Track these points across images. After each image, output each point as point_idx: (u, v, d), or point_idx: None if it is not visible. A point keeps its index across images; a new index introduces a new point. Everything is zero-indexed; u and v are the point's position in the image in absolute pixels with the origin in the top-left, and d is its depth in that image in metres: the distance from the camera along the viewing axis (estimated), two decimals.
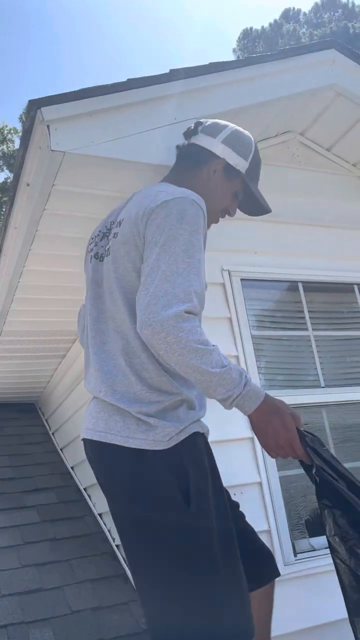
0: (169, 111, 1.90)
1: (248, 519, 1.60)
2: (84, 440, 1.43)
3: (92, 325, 1.51)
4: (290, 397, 2.17)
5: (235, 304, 2.23)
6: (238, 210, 1.74)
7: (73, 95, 1.75)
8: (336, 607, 1.75)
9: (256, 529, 1.63)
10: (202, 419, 1.42)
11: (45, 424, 4.37)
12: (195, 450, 1.34)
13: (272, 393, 2.07)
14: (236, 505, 1.59)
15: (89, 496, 3.26)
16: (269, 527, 1.95)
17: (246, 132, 1.68)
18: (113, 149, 1.78)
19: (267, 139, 2.60)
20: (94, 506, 3.16)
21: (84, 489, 3.35)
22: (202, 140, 1.63)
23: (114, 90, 1.80)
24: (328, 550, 1.58)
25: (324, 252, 2.51)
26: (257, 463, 2.01)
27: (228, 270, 2.27)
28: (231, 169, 1.61)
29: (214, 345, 1.27)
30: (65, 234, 2.18)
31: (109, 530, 2.90)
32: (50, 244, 2.24)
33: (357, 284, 2.54)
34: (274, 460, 2.04)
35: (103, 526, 2.97)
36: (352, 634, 1.46)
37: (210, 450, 1.42)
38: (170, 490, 1.28)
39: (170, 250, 1.30)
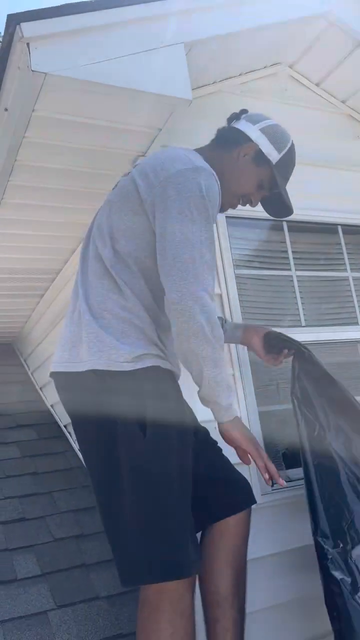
0: (164, 33, 1.80)
1: (229, 453, 1.65)
2: None
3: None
4: None
5: (220, 243, 2.20)
6: None
7: (56, 10, 1.64)
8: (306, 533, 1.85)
9: (235, 462, 1.67)
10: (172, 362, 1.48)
11: (24, 363, 4.36)
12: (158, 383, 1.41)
13: None
14: (212, 441, 1.66)
15: (69, 433, 3.31)
16: None
17: (286, 131, 1.72)
18: (98, 73, 1.69)
19: (255, 70, 2.50)
20: (74, 442, 3.21)
21: (64, 426, 3.39)
22: (240, 125, 1.69)
23: (102, 7, 1.69)
24: (303, 482, 1.71)
25: (309, 192, 2.47)
26: (237, 399, 2.05)
27: None
28: (262, 156, 1.65)
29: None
30: (47, 165, 2.10)
31: None
32: (31, 176, 2.16)
33: (340, 225, 2.53)
34: (253, 396, 2.08)
35: (83, 461, 3.03)
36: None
37: (176, 390, 1.47)
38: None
39: (186, 221, 1.37)
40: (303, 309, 2.34)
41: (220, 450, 1.66)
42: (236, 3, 2.04)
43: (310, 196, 2.46)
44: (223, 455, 1.66)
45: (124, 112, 1.85)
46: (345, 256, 2.53)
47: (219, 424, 1.47)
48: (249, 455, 1.49)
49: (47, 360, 3.70)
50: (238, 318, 2.14)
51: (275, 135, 1.67)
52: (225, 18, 2.01)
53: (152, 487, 1.33)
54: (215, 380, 1.38)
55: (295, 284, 2.36)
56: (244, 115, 1.71)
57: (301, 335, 2.27)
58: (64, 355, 1.48)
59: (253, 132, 1.66)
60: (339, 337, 2.35)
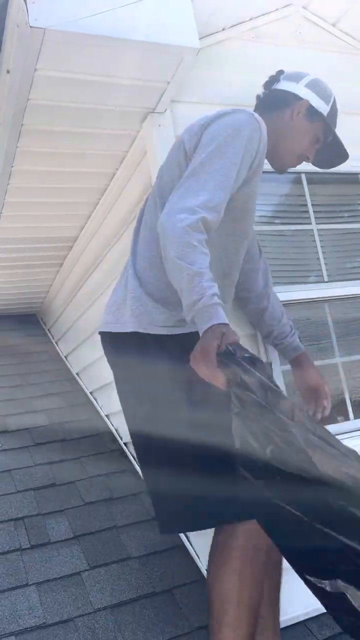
0: None
1: None
2: None
3: None
4: (294, 293, 2.14)
5: None
6: (236, 94, 1.92)
7: None
8: None
9: None
10: None
11: (48, 333, 4.40)
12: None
13: (276, 289, 2.09)
14: None
15: (96, 399, 3.34)
16: None
17: (326, 82, 1.74)
18: (100, 25, 1.61)
19: (267, 13, 2.36)
20: (101, 408, 3.24)
21: (90, 393, 3.42)
22: (284, 85, 1.69)
23: None
24: None
25: None
26: None
27: None
28: (314, 111, 1.66)
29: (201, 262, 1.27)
30: (55, 129, 2.04)
31: (116, 430, 3.00)
32: (40, 140, 2.11)
33: None
34: None
35: (111, 426, 3.06)
36: None
37: None
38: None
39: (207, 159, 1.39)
40: (325, 264, 2.27)
41: None
42: None
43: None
44: None
45: (130, 65, 1.77)
46: None
47: None
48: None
49: (70, 329, 3.72)
50: None
51: (320, 88, 1.70)
52: None
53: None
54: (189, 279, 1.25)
55: (317, 238, 2.28)
56: (282, 76, 1.71)
57: (324, 291, 2.21)
58: (109, 317, 1.56)
59: (300, 89, 1.67)
60: None
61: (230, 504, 1.33)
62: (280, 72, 1.74)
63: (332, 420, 2.10)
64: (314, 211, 2.31)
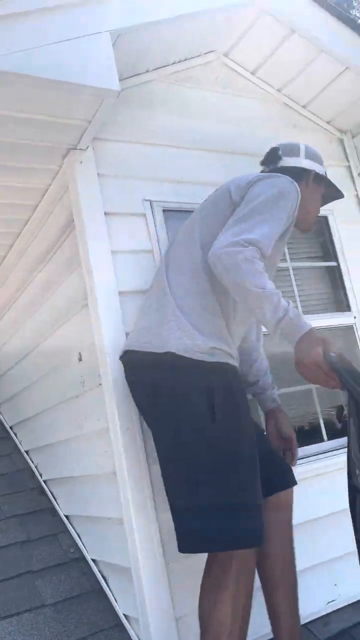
0: (87, 21, 1.73)
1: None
2: None
3: None
4: None
5: (157, 236, 2.16)
6: (160, 134, 2.19)
7: None
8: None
9: None
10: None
11: None
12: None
13: None
14: (260, 428, 1.92)
15: (15, 434, 3.22)
16: None
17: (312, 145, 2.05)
18: (14, 63, 1.59)
19: (189, 59, 2.45)
20: (20, 443, 3.13)
21: (10, 428, 3.30)
22: (289, 162, 1.93)
23: None
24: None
25: None
26: None
27: (150, 201, 2.17)
28: (318, 176, 1.96)
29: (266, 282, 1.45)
30: None
31: (36, 467, 2.90)
32: None
33: None
34: None
35: (30, 462, 2.96)
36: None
37: (240, 385, 1.65)
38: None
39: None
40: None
41: (265, 433, 1.93)
42: None
43: None
44: (268, 439, 1.90)
45: (46, 103, 1.77)
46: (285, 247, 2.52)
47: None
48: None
49: None
50: None
51: (315, 154, 1.99)
52: (153, 5, 1.95)
53: (224, 467, 1.48)
54: (266, 300, 1.44)
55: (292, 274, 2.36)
56: (280, 152, 1.96)
57: None
58: (141, 339, 1.65)
59: (303, 162, 1.94)
60: None
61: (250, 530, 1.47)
62: (277, 149, 1.96)
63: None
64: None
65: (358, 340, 2.52)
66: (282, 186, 1.65)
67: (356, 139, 2.82)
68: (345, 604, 2.08)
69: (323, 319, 2.47)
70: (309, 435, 2.32)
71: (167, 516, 1.62)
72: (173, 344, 1.54)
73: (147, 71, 2.33)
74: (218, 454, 1.49)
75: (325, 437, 2.32)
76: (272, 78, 2.63)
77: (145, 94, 2.32)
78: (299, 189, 1.69)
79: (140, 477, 1.81)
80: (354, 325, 2.53)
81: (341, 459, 2.22)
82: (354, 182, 2.79)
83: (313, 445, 2.28)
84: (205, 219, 1.74)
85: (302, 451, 2.22)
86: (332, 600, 2.07)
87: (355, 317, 2.53)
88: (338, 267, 2.59)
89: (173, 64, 2.40)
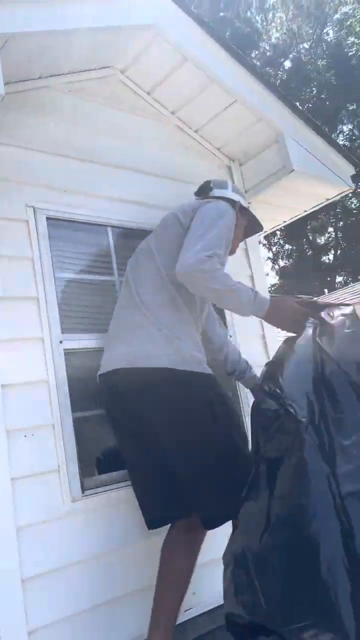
0: None
1: (40, 459, 1.91)
2: None
3: None
4: (91, 341, 2.19)
5: (39, 243, 2.14)
6: (48, 142, 2.28)
7: None
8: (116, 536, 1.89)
9: (47, 469, 1.91)
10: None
11: None
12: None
13: (73, 336, 2.13)
14: None
15: None
16: (58, 466, 1.97)
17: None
18: None
19: (85, 71, 2.47)
20: None
21: None
22: (219, 192, 2.23)
23: None
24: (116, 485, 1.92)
25: (135, 198, 2.52)
26: (52, 406, 2.01)
27: (33, 207, 2.15)
28: (243, 208, 2.27)
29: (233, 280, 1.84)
30: None
31: None
32: None
33: None
34: (68, 402, 2.05)
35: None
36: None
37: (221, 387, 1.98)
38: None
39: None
40: None
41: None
42: (59, 1, 1.99)
43: (135, 202, 2.50)
44: None
45: None
46: None
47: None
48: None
49: None
50: (55, 322, 2.10)
51: (238, 189, 2.32)
52: (46, 15, 1.95)
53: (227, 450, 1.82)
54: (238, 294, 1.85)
55: (119, 289, 2.38)
56: (211, 184, 2.26)
57: None
58: (130, 356, 1.86)
59: (231, 194, 2.23)
60: None
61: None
62: (209, 182, 2.28)
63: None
64: (117, 263, 2.41)
65: None
66: (222, 208, 2.00)
67: (243, 168, 2.98)
68: (202, 611, 2.16)
69: None
70: None
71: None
72: (165, 360, 1.81)
73: (40, 77, 2.31)
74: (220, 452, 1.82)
75: None
76: (166, 100, 2.72)
77: (36, 99, 2.30)
78: (234, 211, 2.06)
79: None
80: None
81: None
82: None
83: None
84: (161, 243, 2.03)
85: None
86: (189, 609, 2.14)
87: (230, 336, 2.66)
88: None
89: (68, 73, 2.41)
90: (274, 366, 1.77)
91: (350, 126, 22.28)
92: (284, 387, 1.62)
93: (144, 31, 2.35)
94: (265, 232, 3.54)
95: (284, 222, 3.46)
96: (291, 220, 3.43)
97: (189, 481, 1.81)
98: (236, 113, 2.71)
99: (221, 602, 2.16)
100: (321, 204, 3.20)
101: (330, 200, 3.19)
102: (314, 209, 3.28)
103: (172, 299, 1.92)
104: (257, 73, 2.67)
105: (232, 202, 2.17)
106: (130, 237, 2.49)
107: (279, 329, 1.99)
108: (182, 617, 2.10)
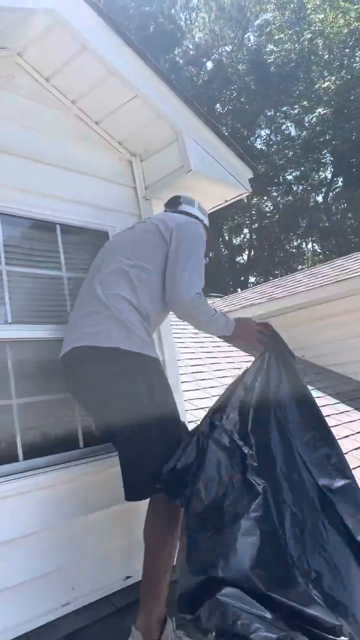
0: None
1: None
2: None
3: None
4: None
5: None
6: None
7: None
8: None
9: None
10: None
11: None
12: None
13: None
14: None
15: None
16: None
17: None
18: None
19: None
20: None
21: None
22: (186, 208, 2.60)
23: None
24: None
25: (32, 188, 2.45)
26: None
27: None
28: (205, 226, 2.58)
29: (213, 309, 2.23)
30: None
31: None
32: None
33: (59, 224, 2.55)
34: None
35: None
36: None
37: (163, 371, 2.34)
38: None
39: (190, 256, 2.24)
40: (11, 304, 2.30)
41: None
42: None
43: (32, 192, 2.44)
44: None
45: None
46: (62, 256, 2.56)
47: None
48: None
49: None
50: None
51: (203, 209, 2.69)
52: None
53: (168, 423, 2.07)
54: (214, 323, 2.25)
55: (5, 279, 2.30)
56: (181, 200, 2.62)
57: (6, 332, 2.23)
58: (85, 336, 2.09)
59: (197, 212, 2.60)
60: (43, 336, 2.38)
61: None
62: (179, 197, 2.62)
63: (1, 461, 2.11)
64: (5, 252, 2.33)
65: None
66: (199, 232, 2.32)
67: (144, 164, 2.99)
68: (80, 606, 2.15)
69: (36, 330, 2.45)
70: (67, 442, 2.36)
71: None
72: (119, 341, 2.04)
73: None
74: (164, 417, 2.06)
75: (21, 456, 2.19)
76: (66, 89, 2.67)
77: None
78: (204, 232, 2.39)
79: None
80: None
81: (100, 466, 2.31)
82: (138, 203, 2.95)
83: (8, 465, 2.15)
84: (138, 247, 2.26)
85: (61, 457, 2.27)
86: (67, 604, 2.13)
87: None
88: None
89: None
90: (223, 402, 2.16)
91: (267, 131, 23.08)
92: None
93: (42, 15, 2.28)
94: None
95: None
96: None
97: (121, 451, 2.06)
98: (136, 108, 2.71)
99: (100, 596, 2.21)
100: (220, 205, 3.28)
101: (229, 202, 3.27)
102: (214, 209, 3.35)
103: (133, 296, 2.15)
104: (158, 70, 2.68)
105: (197, 220, 2.48)
106: (23, 226, 2.43)
107: (242, 344, 2.52)
108: (58, 612, 2.09)
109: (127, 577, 2.32)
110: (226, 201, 3.24)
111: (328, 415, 5.37)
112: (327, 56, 19.61)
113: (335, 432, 4.83)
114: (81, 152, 2.74)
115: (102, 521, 2.29)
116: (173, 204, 2.59)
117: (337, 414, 5.49)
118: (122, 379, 2.02)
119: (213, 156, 2.91)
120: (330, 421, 5.30)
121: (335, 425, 5.11)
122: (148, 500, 2.03)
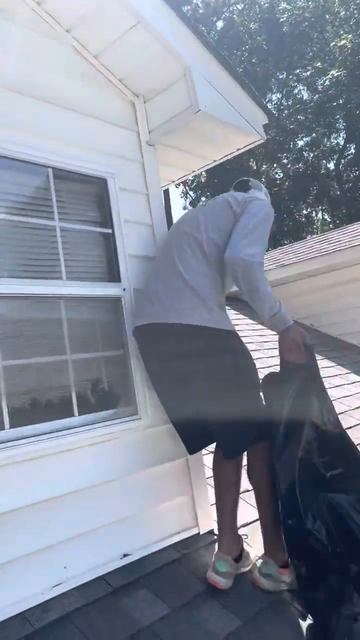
0: None
1: None
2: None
3: None
4: None
5: None
6: None
7: None
8: None
9: None
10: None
11: None
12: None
13: None
14: None
15: None
16: None
17: None
18: None
19: None
20: None
21: None
22: (254, 194, 2.47)
23: None
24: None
25: (20, 124, 2.18)
26: None
27: None
28: None
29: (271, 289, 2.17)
30: None
31: None
32: None
33: (51, 167, 2.28)
34: None
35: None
36: None
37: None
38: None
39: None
40: None
41: None
42: None
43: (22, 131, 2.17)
44: None
45: None
46: (55, 205, 2.30)
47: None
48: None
49: None
50: None
51: (268, 194, 2.64)
52: None
53: (253, 388, 2.26)
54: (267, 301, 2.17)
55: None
56: (250, 184, 2.58)
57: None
58: (177, 313, 2.17)
59: (264, 198, 2.45)
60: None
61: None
62: (248, 181, 2.61)
63: None
64: None
65: (125, 313, 2.41)
66: (269, 215, 2.29)
67: (148, 105, 2.69)
68: (73, 586, 1.97)
69: (90, 287, 2.31)
70: (60, 409, 2.15)
71: None
72: (221, 322, 2.19)
73: None
74: (249, 381, 2.25)
75: (7, 424, 1.96)
76: (60, 14, 2.37)
77: None
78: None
79: None
80: (122, 298, 2.41)
81: (91, 434, 2.11)
82: (141, 149, 2.67)
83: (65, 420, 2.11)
84: (212, 223, 2.27)
85: (49, 426, 2.06)
86: (59, 584, 1.95)
87: (124, 289, 2.42)
88: (112, 235, 2.45)
89: None
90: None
91: (279, 95, 22.32)
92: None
93: None
94: (173, 181, 3.31)
95: (193, 171, 3.22)
96: (200, 170, 3.20)
97: (213, 418, 2.18)
98: (139, 38, 2.40)
99: (94, 576, 2.03)
100: (232, 153, 2.99)
101: (241, 151, 2.98)
102: (225, 159, 3.07)
103: (209, 271, 2.20)
104: None
105: None
106: (14, 169, 2.17)
107: (281, 351, 2.26)
108: (48, 594, 1.91)
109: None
110: (238, 149, 2.96)
111: (339, 385, 5.17)
112: (343, 13, 18.71)
113: (347, 403, 4.69)
114: (77, 89, 2.45)
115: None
116: (242, 187, 2.57)
117: (348, 384, 5.28)
118: (207, 353, 2.13)
119: (225, 97, 2.61)
120: (341, 391, 5.12)
121: (347, 396, 4.91)
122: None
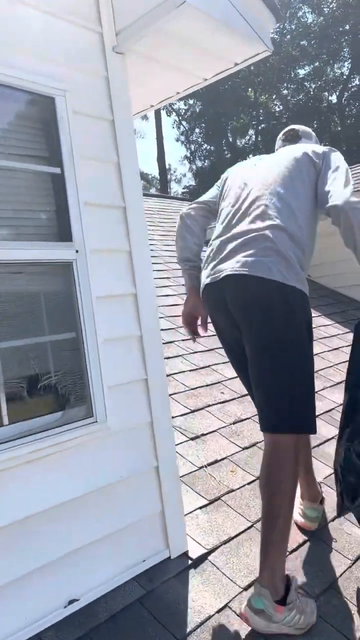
0: None
1: None
2: None
3: None
4: None
5: None
6: None
7: None
8: None
9: None
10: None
11: None
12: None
13: None
14: None
15: None
16: None
17: None
18: None
19: None
20: None
21: None
22: (306, 142, 2.44)
23: None
24: None
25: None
26: None
27: None
28: None
29: None
30: None
31: None
32: None
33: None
34: None
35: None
36: None
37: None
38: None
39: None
40: None
41: None
42: None
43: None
44: None
45: None
46: None
47: None
48: None
49: None
50: None
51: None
52: None
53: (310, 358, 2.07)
54: None
55: None
56: (300, 133, 2.48)
57: None
58: (253, 265, 1.96)
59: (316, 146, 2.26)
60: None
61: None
62: (297, 131, 2.47)
63: None
64: None
65: (77, 284, 1.82)
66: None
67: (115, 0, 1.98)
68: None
69: (28, 249, 1.70)
70: None
71: None
72: (299, 281, 2.00)
73: None
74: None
75: (6, 419, 1.61)
76: None
77: None
78: None
79: None
80: (73, 263, 1.81)
81: (27, 449, 1.57)
82: (105, 58, 1.98)
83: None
84: (289, 172, 2.09)
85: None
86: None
87: (77, 251, 1.82)
88: (62, 177, 1.81)
89: None
90: None
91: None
92: None
93: None
94: (152, 106, 2.61)
95: (177, 93, 2.51)
96: (186, 92, 2.50)
97: (272, 380, 1.98)
98: None
99: (25, 638, 1.56)
100: (228, 69, 2.30)
101: (239, 67, 2.28)
102: (218, 77, 2.37)
103: (309, 228, 2.07)
104: None
105: None
106: None
107: None
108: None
109: None
110: (236, 64, 2.26)
111: (336, 348, 4.68)
112: None
113: (345, 368, 4.20)
114: None
115: None
116: (293, 139, 2.45)
117: (346, 345, 4.78)
118: (280, 311, 1.97)
119: None
120: (339, 355, 4.63)
121: (345, 362, 4.42)
122: None
